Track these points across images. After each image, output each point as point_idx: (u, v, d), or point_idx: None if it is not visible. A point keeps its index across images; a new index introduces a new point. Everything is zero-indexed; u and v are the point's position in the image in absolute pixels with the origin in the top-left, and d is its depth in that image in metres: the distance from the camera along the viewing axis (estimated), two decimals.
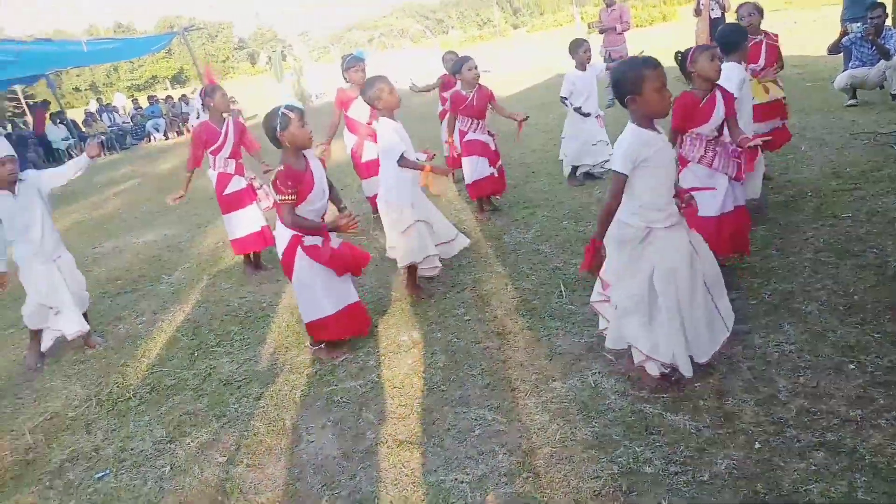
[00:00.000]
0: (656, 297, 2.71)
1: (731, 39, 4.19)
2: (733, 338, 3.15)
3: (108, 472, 3.07)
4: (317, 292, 3.55)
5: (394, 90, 4.02)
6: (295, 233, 3.46)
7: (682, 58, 3.53)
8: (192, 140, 5.09)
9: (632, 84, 2.53)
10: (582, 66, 6.06)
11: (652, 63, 2.56)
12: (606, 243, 2.77)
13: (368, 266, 4.77)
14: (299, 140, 3.38)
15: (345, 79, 5.77)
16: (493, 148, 5.70)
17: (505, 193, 6.32)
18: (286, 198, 3.33)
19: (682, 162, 3.59)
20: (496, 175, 5.72)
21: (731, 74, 3.99)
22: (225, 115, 5.01)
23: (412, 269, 4.32)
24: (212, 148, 4.99)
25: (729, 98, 3.55)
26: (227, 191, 5.10)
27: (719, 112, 3.51)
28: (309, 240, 3.47)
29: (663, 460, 2.48)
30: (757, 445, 2.48)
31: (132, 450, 3.22)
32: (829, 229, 4.21)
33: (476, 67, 5.49)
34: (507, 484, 2.52)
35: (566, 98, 6.13)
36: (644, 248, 2.70)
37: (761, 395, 2.76)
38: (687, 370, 2.75)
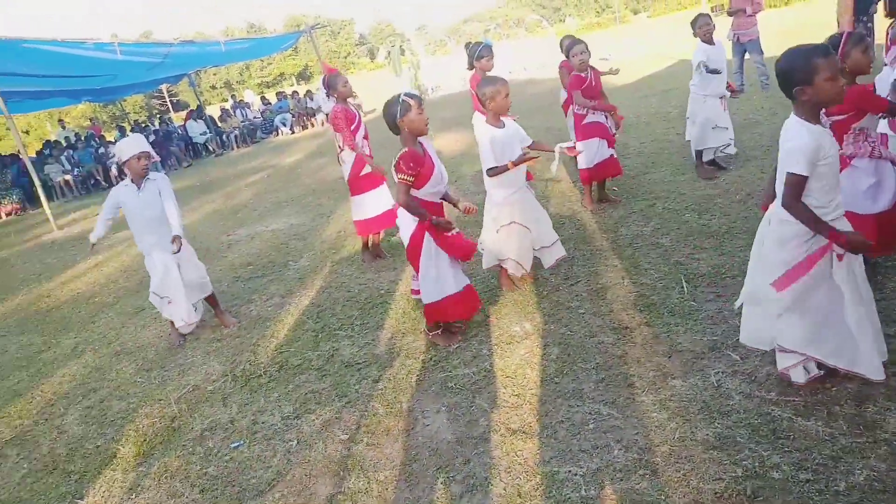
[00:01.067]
0: (815, 301, 2.54)
1: None
2: None
3: (242, 442, 3.34)
4: (443, 272, 3.67)
5: (506, 94, 3.98)
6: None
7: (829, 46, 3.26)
8: (335, 124, 5.24)
9: (802, 74, 2.37)
10: (707, 40, 5.74)
11: (823, 50, 2.39)
12: (760, 242, 2.66)
13: (479, 256, 4.84)
14: (417, 126, 3.50)
15: (473, 67, 5.81)
16: (610, 130, 5.58)
17: (621, 183, 6.17)
18: (406, 177, 3.46)
19: (842, 162, 3.30)
20: (615, 156, 5.59)
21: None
22: (350, 100, 5.25)
23: (500, 267, 4.38)
24: (351, 126, 5.21)
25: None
26: (364, 172, 5.30)
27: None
28: (434, 218, 3.59)
29: (793, 466, 2.35)
30: None
31: (263, 423, 3.48)
32: None
33: (584, 51, 5.36)
34: (622, 479, 2.48)
35: (703, 63, 5.76)
36: (813, 243, 2.51)
37: None
38: (877, 373, 2.55)
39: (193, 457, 3.31)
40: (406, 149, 3.50)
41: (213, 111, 22.77)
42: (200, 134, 19.17)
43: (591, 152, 5.53)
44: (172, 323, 4.77)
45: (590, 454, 2.67)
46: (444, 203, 3.77)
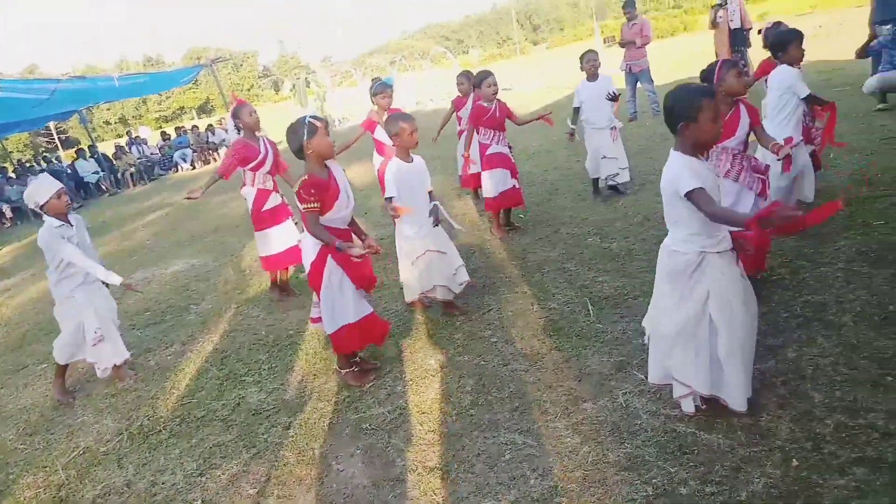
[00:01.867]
0: (705, 328, 2.61)
1: (781, 40, 4.26)
2: (766, 352, 3.10)
3: None
4: (344, 298, 3.58)
5: (415, 132, 4.02)
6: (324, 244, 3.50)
7: (707, 74, 3.52)
8: (230, 153, 5.11)
9: (687, 111, 2.49)
10: (591, 76, 6.05)
11: (709, 92, 2.53)
12: (657, 274, 2.73)
13: (393, 290, 4.79)
14: (323, 149, 3.42)
15: (373, 104, 5.85)
16: (512, 160, 5.73)
17: (527, 212, 6.31)
18: (310, 206, 3.37)
19: None
20: (517, 186, 5.73)
21: (782, 77, 4.15)
22: (257, 133, 5.12)
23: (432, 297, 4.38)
24: (251, 164, 5.07)
25: (752, 110, 3.55)
26: (266, 207, 5.17)
27: (744, 125, 3.50)
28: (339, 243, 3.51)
29: (699, 481, 2.42)
30: (795, 463, 2.41)
31: (163, 483, 3.24)
32: (862, 238, 4.11)
33: (495, 84, 5.52)
34: None
35: (576, 109, 6.12)
36: (698, 275, 2.59)
37: (797, 411, 2.68)
38: (741, 405, 2.63)
39: None
40: (306, 176, 3.39)
41: (107, 148, 21.65)
42: (92, 173, 18.11)
43: (496, 182, 5.64)
44: (56, 378, 4.43)
45: (507, 486, 2.66)
46: (352, 232, 3.70)
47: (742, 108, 3.53)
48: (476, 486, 2.70)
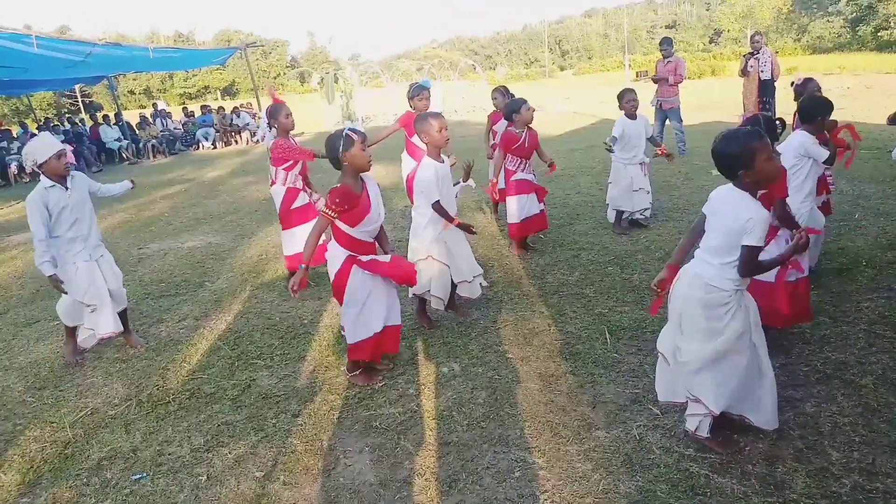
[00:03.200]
0: (741, 355, 2.69)
1: (813, 110, 4.12)
2: (784, 404, 3.10)
3: (145, 474, 3.09)
4: (368, 309, 3.57)
5: (444, 129, 4.08)
6: (350, 253, 3.51)
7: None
8: (275, 157, 5.26)
9: (743, 158, 2.54)
10: (631, 115, 6.09)
11: (757, 135, 2.57)
12: (680, 302, 2.78)
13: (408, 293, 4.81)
14: (359, 162, 3.45)
15: (411, 106, 5.88)
16: (537, 185, 5.79)
17: (548, 232, 6.33)
18: (329, 212, 3.39)
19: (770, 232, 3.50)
20: (544, 209, 5.77)
21: (799, 143, 4.04)
22: (291, 133, 5.20)
23: (421, 300, 4.47)
24: (286, 164, 5.12)
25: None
26: (294, 205, 5.23)
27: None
28: (364, 257, 3.52)
29: None
30: None
31: (170, 454, 3.25)
32: (885, 302, 4.12)
33: (530, 108, 5.58)
34: None
35: (615, 138, 6.12)
36: (735, 308, 2.65)
37: (813, 467, 2.68)
38: (773, 423, 2.78)
39: (88, 488, 3.03)
40: (340, 184, 3.43)
41: (129, 117, 21.77)
42: (115, 139, 18.22)
43: (519, 207, 5.68)
44: (70, 336, 4.41)
45: (515, 503, 2.65)
46: (377, 243, 3.72)
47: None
48: (484, 499, 2.70)
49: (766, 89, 10.31)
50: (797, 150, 4.07)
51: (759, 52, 10.28)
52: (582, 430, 3.12)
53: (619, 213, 6.42)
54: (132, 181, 4.65)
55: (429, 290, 4.31)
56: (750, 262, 2.54)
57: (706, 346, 2.70)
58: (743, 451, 2.81)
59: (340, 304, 3.64)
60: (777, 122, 3.53)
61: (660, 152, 6.23)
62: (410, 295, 4.45)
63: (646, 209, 6.31)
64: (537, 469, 2.86)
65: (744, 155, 2.53)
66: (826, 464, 2.69)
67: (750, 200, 2.58)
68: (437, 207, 4.10)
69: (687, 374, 2.79)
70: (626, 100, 6.07)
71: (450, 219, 4.12)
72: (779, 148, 4.21)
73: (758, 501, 2.51)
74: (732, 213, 2.57)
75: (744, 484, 2.62)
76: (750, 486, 2.60)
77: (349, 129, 3.45)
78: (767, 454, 2.78)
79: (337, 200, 3.37)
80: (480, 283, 4.46)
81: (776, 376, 2.80)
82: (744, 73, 10.60)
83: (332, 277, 3.60)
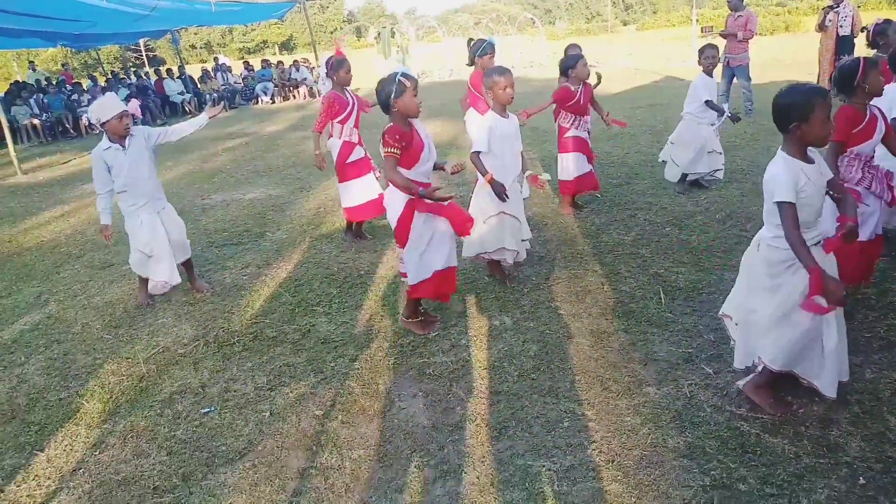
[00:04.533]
0: (804, 316, 2.62)
1: None
2: None
3: (213, 408, 3.30)
4: (431, 250, 3.65)
5: (509, 88, 3.99)
6: (409, 197, 3.57)
7: (845, 70, 3.32)
8: (323, 108, 5.26)
9: (800, 112, 2.47)
10: (709, 72, 5.88)
11: (822, 92, 2.49)
12: (747, 264, 2.76)
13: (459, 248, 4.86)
14: (410, 108, 3.48)
15: (475, 63, 5.80)
16: (589, 145, 5.73)
17: (604, 192, 6.24)
18: (392, 150, 3.43)
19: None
20: (594, 171, 5.70)
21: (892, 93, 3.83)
22: (347, 88, 5.24)
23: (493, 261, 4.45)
24: (340, 118, 5.20)
25: (884, 117, 3.39)
26: (350, 159, 5.30)
27: (881, 131, 3.34)
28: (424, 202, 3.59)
29: (759, 480, 2.44)
30: (861, 481, 2.39)
31: (235, 391, 3.45)
32: None
33: (586, 64, 5.46)
34: (594, 478, 2.54)
35: (711, 102, 5.89)
36: (797, 267, 2.58)
37: (869, 432, 2.65)
38: (832, 391, 2.69)
39: (161, 419, 3.26)
40: (392, 124, 3.46)
41: (192, 71, 22.23)
42: (178, 93, 18.71)
43: (572, 165, 5.62)
44: (143, 282, 4.66)
45: (563, 451, 2.73)
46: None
47: (878, 112, 3.37)
48: (532, 446, 2.78)
49: (844, 46, 9.75)
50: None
51: (839, 5, 9.69)
52: (632, 385, 3.15)
53: (684, 176, 6.25)
54: (211, 115, 4.66)
55: (501, 248, 4.27)
56: (786, 223, 2.46)
57: (771, 304, 2.68)
58: (797, 413, 2.79)
59: (402, 247, 3.70)
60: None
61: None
62: (466, 255, 4.39)
63: (718, 170, 6.13)
64: (586, 420, 2.91)
65: (802, 106, 2.46)
66: (883, 429, 2.65)
67: (780, 160, 2.55)
68: (474, 158, 4.06)
69: (755, 334, 2.78)
70: (706, 55, 5.87)
71: (483, 171, 4.03)
72: (878, 103, 4.00)
73: (809, 462, 2.51)
74: (766, 177, 2.57)
75: (796, 445, 2.61)
76: (802, 447, 2.59)
77: (401, 76, 3.46)
78: (822, 417, 2.76)
79: (397, 136, 3.42)
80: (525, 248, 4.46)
81: None
82: (821, 27, 10.04)
83: (393, 223, 3.66)
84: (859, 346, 3.27)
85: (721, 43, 10.24)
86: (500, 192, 4.03)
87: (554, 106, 5.76)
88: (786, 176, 2.49)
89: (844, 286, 3.15)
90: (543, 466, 2.64)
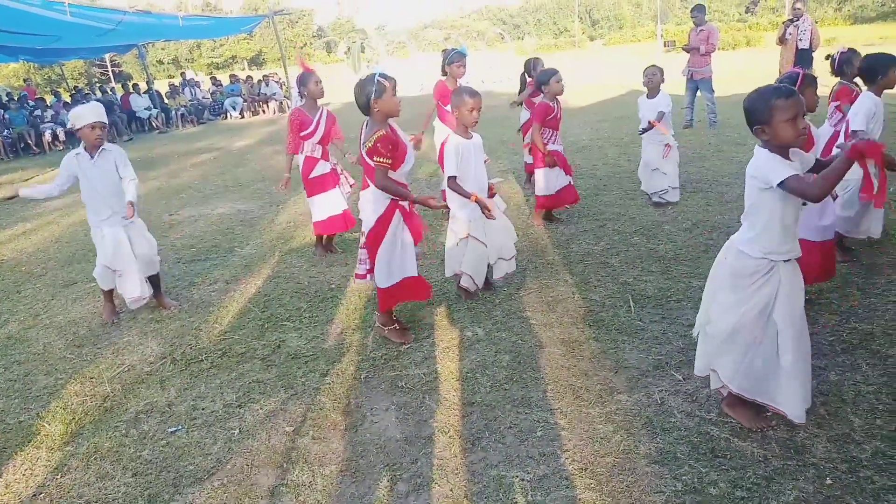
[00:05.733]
0: (760, 333, 2.61)
1: (877, 65, 4.05)
2: None
3: (180, 427, 3.23)
4: (406, 254, 3.69)
5: (475, 111, 4.00)
6: (392, 198, 3.56)
7: (784, 82, 3.41)
8: (290, 128, 5.24)
9: (761, 114, 2.44)
10: (650, 92, 5.97)
11: (784, 92, 2.43)
12: (713, 274, 2.76)
13: (436, 260, 4.86)
14: (391, 108, 3.49)
15: (444, 72, 5.85)
16: (565, 159, 5.78)
17: (573, 204, 6.29)
18: (383, 161, 3.43)
19: None
20: (572, 183, 5.74)
21: (869, 105, 3.98)
22: (319, 101, 5.22)
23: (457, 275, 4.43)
24: (303, 133, 5.17)
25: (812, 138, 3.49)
26: (313, 174, 5.27)
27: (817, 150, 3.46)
28: (404, 203, 3.62)
29: (729, 484, 2.46)
30: (828, 481, 2.43)
31: (203, 409, 3.37)
32: None
33: (560, 80, 5.53)
34: (567, 487, 2.54)
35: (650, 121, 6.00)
36: (763, 281, 2.57)
37: (834, 433, 2.70)
38: (800, 416, 2.62)
39: (127, 439, 3.18)
40: (382, 132, 3.45)
41: (158, 87, 21.97)
42: (144, 108, 18.45)
43: (550, 179, 5.65)
44: (105, 302, 4.58)
45: (537, 461, 2.72)
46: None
47: (811, 129, 3.47)
48: (506, 456, 2.77)
49: (803, 59, 10.06)
50: (867, 113, 3.97)
51: (799, 20, 10.00)
52: (604, 393, 3.16)
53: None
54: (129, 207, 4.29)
55: (463, 272, 4.26)
56: (804, 189, 2.34)
57: (726, 318, 2.66)
58: (764, 416, 2.82)
59: (374, 250, 3.68)
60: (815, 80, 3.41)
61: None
62: (448, 274, 4.39)
63: (664, 192, 6.10)
64: (559, 429, 2.92)
65: (762, 110, 2.43)
66: (848, 430, 2.70)
67: (762, 151, 2.50)
68: (452, 184, 4.04)
69: (712, 346, 2.78)
70: (645, 75, 5.99)
71: (466, 195, 4.01)
72: (849, 113, 4.12)
73: (777, 465, 2.54)
74: (750, 172, 2.53)
75: (764, 448, 2.65)
76: (770, 450, 2.63)
77: (380, 76, 3.46)
78: (788, 420, 2.79)
79: (389, 147, 3.43)
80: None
81: None
82: (781, 40, 10.34)
83: (371, 223, 3.64)
84: (822, 350, 3.33)
85: (683, 57, 10.50)
86: (487, 206, 4.01)
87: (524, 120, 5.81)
88: (773, 161, 2.44)
89: (807, 288, 3.21)
90: (517, 477, 2.63)
